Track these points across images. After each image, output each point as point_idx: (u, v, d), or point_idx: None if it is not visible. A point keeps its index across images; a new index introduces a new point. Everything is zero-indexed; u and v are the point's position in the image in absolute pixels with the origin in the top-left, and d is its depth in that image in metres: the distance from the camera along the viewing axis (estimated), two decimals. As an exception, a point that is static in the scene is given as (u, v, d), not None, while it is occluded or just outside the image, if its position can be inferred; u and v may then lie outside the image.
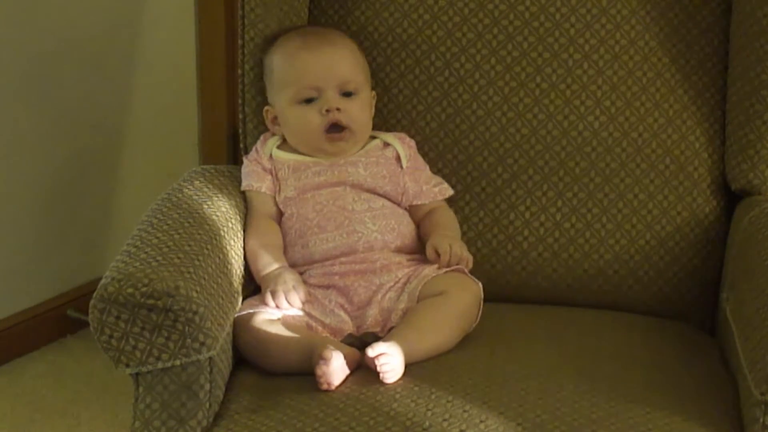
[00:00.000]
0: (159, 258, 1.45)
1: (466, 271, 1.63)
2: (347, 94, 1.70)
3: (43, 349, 2.45)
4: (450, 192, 1.76)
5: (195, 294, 1.41)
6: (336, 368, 1.46)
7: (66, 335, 2.50)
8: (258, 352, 1.55)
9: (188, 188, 1.67)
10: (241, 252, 1.64)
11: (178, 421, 1.43)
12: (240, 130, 1.80)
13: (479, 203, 1.78)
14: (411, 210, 1.73)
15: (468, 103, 1.80)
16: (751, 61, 1.74)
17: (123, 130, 2.59)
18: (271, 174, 1.72)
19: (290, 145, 1.73)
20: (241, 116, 1.79)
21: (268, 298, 1.58)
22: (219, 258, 1.55)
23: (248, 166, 1.74)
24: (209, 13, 2.70)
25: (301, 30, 1.76)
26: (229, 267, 1.57)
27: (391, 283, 1.62)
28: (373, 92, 1.78)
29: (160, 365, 1.42)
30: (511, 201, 1.78)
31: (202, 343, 1.42)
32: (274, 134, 1.75)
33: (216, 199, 1.66)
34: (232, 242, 1.61)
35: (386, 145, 1.75)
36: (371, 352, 1.46)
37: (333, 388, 1.46)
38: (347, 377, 1.48)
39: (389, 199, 1.71)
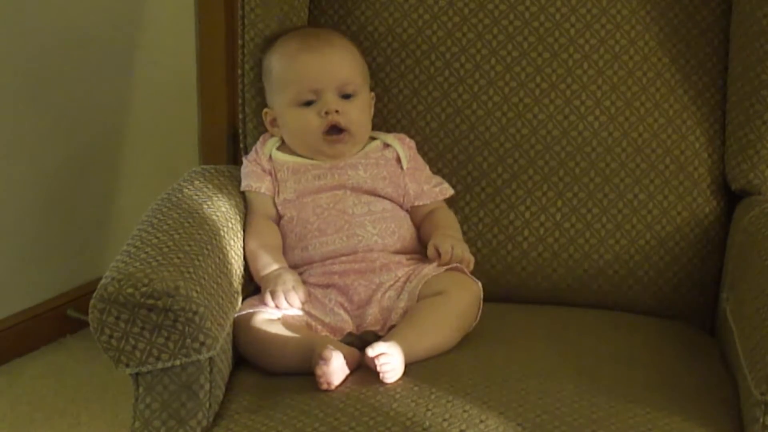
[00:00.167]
0: (159, 258, 1.45)
1: (466, 270, 1.63)
2: (346, 96, 1.70)
3: (43, 349, 2.45)
4: (450, 192, 1.76)
5: (195, 294, 1.41)
6: (336, 368, 1.46)
7: (66, 335, 2.50)
8: (258, 352, 1.55)
9: (188, 188, 1.67)
10: (240, 252, 1.64)
11: (178, 421, 1.43)
12: (240, 130, 1.80)
13: (479, 203, 1.79)
14: (411, 211, 1.73)
15: (468, 103, 1.80)
16: (751, 61, 1.74)
17: (123, 130, 2.59)
18: (271, 175, 1.72)
19: (289, 146, 1.73)
20: (241, 116, 1.79)
21: (268, 298, 1.58)
22: (219, 258, 1.55)
23: (248, 166, 1.74)
24: (209, 13, 2.70)
25: (300, 31, 1.76)
26: (229, 267, 1.57)
27: (391, 282, 1.62)
28: (373, 93, 1.77)
29: (160, 365, 1.42)
30: (511, 201, 1.78)
31: (202, 343, 1.42)
32: (273, 135, 1.75)
33: (216, 199, 1.66)
34: (232, 242, 1.61)
35: (386, 146, 1.75)
36: (371, 352, 1.46)
37: (333, 388, 1.46)
38: (347, 377, 1.48)
39: (391, 201, 1.70)
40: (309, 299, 1.61)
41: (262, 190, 1.71)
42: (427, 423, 1.38)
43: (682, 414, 1.43)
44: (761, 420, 1.40)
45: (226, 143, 2.76)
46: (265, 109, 1.75)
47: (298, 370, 1.50)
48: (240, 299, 1.60)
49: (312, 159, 1.71)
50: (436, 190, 1.74)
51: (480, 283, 1.62)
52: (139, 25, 2.57)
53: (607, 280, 1.77)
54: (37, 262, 2.45)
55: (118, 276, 1.41)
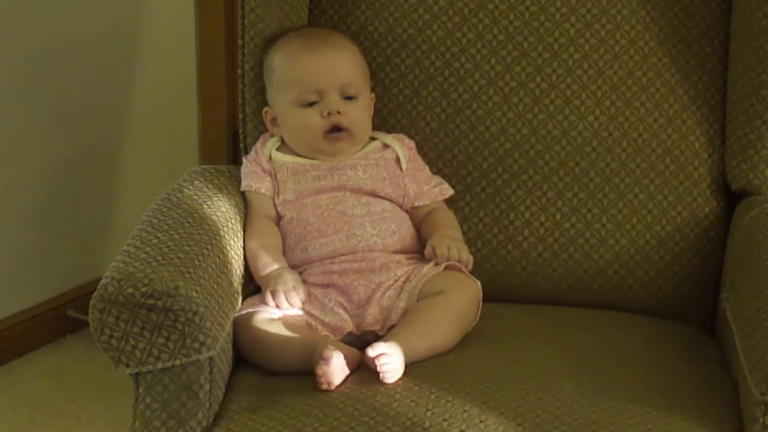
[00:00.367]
0: (159, 258, 1.45)
1: (466, 270, 1.63)
2: (349, 98, 1.70)
3: (43, 349, 2.45)
4: (450, 192, 1.76)
5: (195, 294, 1.41)
6: (336, 368, 1.46)
7: (66, 335, 2.50)
8: (258, 352, 1.55)
9: (188, 188, 1.67)
10: (240, 252, 1.64)
11: (178, 421, 1.43)
12: (240, 130, 1.80)
13: (479, 203, 1.78)
14: (411, 211, 1.73)
15: (468, 103, 1.80)
16: (751, 61, 1.74)
17: (123, 130, 2.59)
18: (271, 175, 1.72)
19: (289, 146, 1.73)
20: (241, 116, 1.79)
21: (269, 297, 1.58)
22: (219, 258, 1.55)
23: (247, 166, 1.74)
24: (209, 13, 2.70)
25: (301, 31, 1.76)
26: (229, 267, 1.57)
27: (391, 282, 1.62)
28: (373, 94, 1.78)
29: (160, 365, 1.42)
30: (511, 201, 1.78)
31: (202, 343, 1.42)
32: (273, 135, 1.75)
33: (216, 199, 1.66)
34: (232, 242, 1.61)
35: (385, 146, 1.75)
36: (371, 352, 1.46)
37: (333, 388, 1.46)
38: (347, 377, 1.48)
39: (390, 202, 1.70)
40: (309, 299, 1.61)
41: (262, 191, 1.71)
42: (427, 423, 1.38)
43: (682, 414, 1.43)
44: (761, 420, 1.40)
45: (226, 143, 2.76)
46: (266, 108, 1.75)
47: (298, 370, 1.50)
48: (240, 299, 1.60)
49: (312, 159, 1.71)
50: (435, 191, 1.74)
51: (479, 283, 1.62)
52: (139, 26, 2.57)
53: (607, 280, 1.77)
54: (37, 262, 2.45)
55: (118, 276, 1.41)
